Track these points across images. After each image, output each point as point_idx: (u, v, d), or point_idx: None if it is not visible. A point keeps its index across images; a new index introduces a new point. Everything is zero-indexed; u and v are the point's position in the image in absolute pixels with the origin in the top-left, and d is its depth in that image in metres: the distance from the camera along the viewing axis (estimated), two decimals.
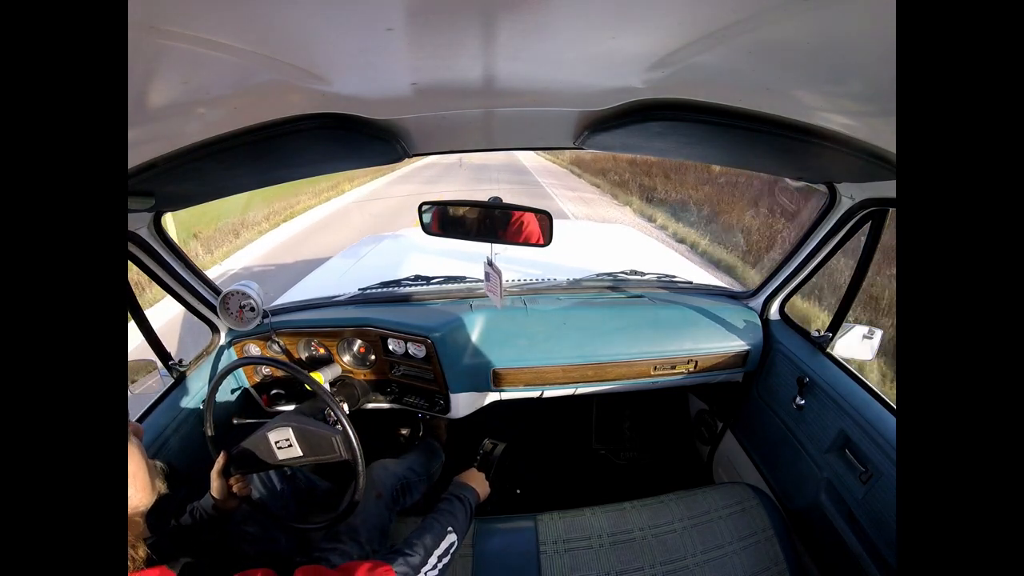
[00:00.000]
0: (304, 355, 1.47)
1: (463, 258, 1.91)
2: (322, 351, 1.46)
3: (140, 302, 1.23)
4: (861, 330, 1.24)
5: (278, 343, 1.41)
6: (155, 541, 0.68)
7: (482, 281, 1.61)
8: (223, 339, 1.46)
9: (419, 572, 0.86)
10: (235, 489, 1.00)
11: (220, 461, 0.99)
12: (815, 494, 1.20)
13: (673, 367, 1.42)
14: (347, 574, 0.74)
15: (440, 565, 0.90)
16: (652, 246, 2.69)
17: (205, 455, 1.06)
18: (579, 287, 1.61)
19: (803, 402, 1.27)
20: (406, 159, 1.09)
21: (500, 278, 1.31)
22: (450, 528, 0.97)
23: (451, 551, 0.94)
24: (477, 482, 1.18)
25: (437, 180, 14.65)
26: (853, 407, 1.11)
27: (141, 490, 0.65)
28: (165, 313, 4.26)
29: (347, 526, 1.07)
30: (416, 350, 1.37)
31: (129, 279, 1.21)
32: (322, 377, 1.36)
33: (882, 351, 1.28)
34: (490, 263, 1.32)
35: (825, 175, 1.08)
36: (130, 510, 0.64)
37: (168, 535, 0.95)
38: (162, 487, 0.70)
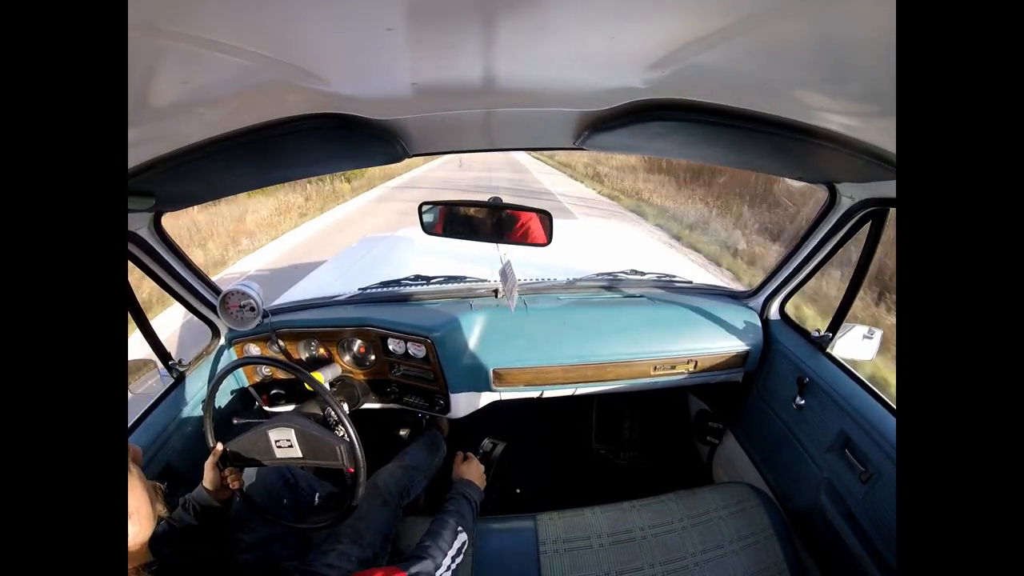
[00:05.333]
0: (304, 355, 1.47)
1: (463, 258, 1.91)
2: (322, 351, 1.46)
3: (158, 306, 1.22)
4: (861, 330, 1.24)
5: (278, 343, 1.41)
6: (159, 567, 0.67)
7: (483, 281, 1.62)
8: (223, 339, 1.46)
9: (435, 574, 0.87)
10: (228, 481, 1.00)
11: (216, 452, 0.99)
12: (815, 494, 1.20)
13: (673, 367, 1.42)
14: None
15: (454, 566, 0.91)
16: (652, 245, 2.69)
17: (205, 455, 1.06)
18: (579, 287, 1.60)
19: (803, 402, 1.27)
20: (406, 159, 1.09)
21: (513, 281, 1.31)
22: (460, 528, 0.98)
23: (463, 550, 0.95)
24: (474, 475, 1.18)
25: None
26: (853, 407, 1.11)
27: (144, 523, 0.64)
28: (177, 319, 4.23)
29: (351, 529, 1.07)
30: (416, 350, 1.37)
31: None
32: (322, 377, 1.36)
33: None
34: (505, 268, 1.32)
35: (825, 175, 1.08)
36: (134, 543, 0.64)
37: (163, 534, 0.95)
38: (162, 510, 0.69)
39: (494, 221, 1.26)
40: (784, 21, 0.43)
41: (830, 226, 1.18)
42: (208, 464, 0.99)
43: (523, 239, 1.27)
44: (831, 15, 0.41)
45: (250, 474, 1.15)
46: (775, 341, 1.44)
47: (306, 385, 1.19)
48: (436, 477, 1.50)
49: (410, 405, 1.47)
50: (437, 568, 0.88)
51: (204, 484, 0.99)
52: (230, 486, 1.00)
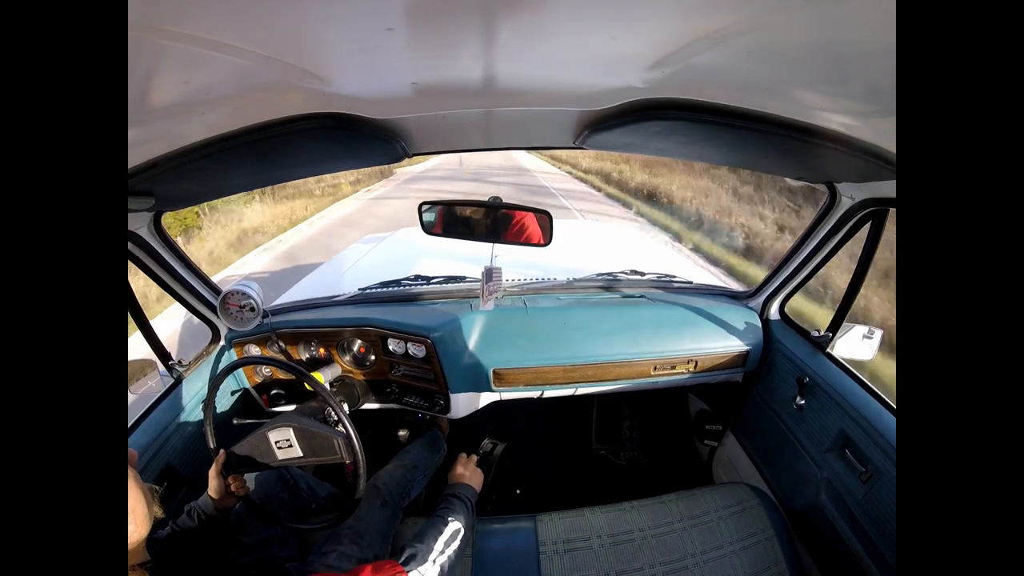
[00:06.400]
0: (304, 355, 1.47)
1: (463, 258, 1.91)
2: (322, 351, 1.46)
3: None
4: (861, 330, 1.24)
5: (278, 343, 1.41)
6: (153, 565, 0.67)
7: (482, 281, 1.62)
8: (223, 340, 1.46)
9: (427, 560, 0.88)
10: (233, 488, 1.00)
11: (219, 460, 0.99)
12: (815, 494, 1.20)
13: (673, 367, 1.42)
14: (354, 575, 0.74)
15: (449, 551, 0.93)
16: (652, 246, 2.69)
17: (205, 455, 1.06)
18: (579, 287, 1.61)
19: (803, 402, 1.27)
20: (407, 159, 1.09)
21: (500, 279, 1.31)
22: (451, 519, 0.99)
23: (458, 536, 0.97)
24: (469, 476, 1.18)
25: None
26: (853, 407, 1.11)
27: (140, 523, 0.64)
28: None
29: (351, 529, 1.07)
30: (416, 350, 1.37)
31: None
32: (322, 377, 1.36)
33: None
34: (491, 270, 1.33)
35: (825, 175, 1.08)
36: (131, 542, 0.64)
37: (167, 539, 0.95)
38: (158, 511, 0.70)
39: (494, 221, 1.26)
40: (784, 21, 0.43)
41: (830, 226, 1.18)
42: (212, 472, 0.99)
43: (523, 239, 1.27)
44: (831, 15, 0.41)
45: (250, 476, 1.16)
46: (775, 341, 1.44)
47: (306, 385, 1.19)
48: (436, 477, 1.51)
49: (410, 405, 1.47)
50: (429, 552, 0.89)
51: (209, 492, 0.99)
52: (235, 493, 1.00)
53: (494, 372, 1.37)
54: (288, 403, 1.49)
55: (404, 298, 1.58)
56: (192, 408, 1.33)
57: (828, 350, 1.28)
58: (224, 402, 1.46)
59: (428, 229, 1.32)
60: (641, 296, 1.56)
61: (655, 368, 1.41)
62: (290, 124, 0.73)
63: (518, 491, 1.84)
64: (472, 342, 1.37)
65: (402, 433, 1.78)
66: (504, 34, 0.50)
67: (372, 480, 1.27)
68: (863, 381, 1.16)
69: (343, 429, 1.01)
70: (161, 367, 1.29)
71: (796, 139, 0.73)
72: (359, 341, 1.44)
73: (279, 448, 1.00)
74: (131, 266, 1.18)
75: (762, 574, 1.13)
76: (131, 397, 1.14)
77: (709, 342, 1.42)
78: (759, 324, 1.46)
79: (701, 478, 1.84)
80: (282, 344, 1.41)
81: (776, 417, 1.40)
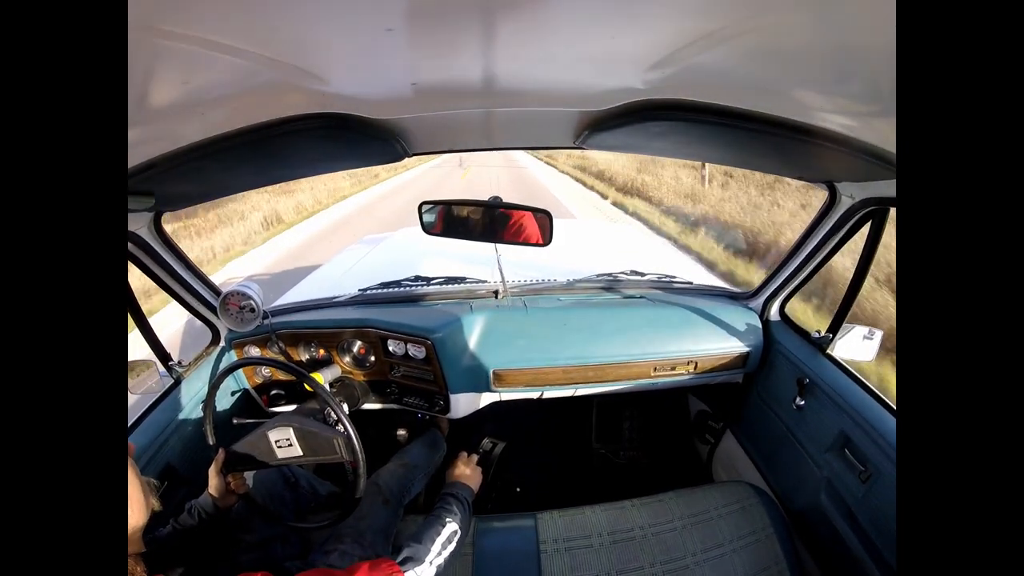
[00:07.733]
0: (304, 356, 1.47)
1: (464, 259, 1.91)
2: (322, 352, 1.46)
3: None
4: (861, 331, 1.24)
5: (278, 344, 1.41)
6: (147, 552, 0.68)
7: (483, 282, 1.62)
8: (223, 341, 1.46)
9: (424, 562, 0.87)
10: (233, 486, 1.00)
11: (219, 459, 0.99)
12: (815, 494, 1.20)
13: (673, 368, 1.42)
14: (351, 573, 0.74)
15: (446, 553, 0.92)
16: (652, 246, 2.69)
17: (205, 455, 1.06)
18: (579, 287, 1.60)
19: (803, 403, 1.27)
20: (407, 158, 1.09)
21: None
22: (448, 519, 0.99)
23: (455, 539, 0.96)
24: (468, 476, 1.18)
25: None
26: (853, 407, 1.11)
27: (137, 512, 0.65)
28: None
29: (352, 528, 1.07)
30: (416, 351, 1.37)
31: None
32: (322, 378, 1.36)
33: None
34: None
35: (825, 175, 1.08)
36: (128, 532, 0.64)
37: (168, 536, 0.95)
38: (155, 504, 0.70)
39: (494, 221, 1.26)
40: (784, 22, 0.43)
41: (830, 226, 1.18)
42: (212, 471, 0.99)
43: (522, 239, 1.27)
44: (831, 15, 0.41)
45: (250, 475, 1.16)
46: (775, 342, 1.44)
47: (306, 386, 1.19)
48: (436, 476, 1.51)
49: (410, 406, 1.47)
50: (426, 554, 0.89)
51: (210, 491, 0.99)
52: (236, 491, 1.00)
53: (494, 373, 1.37)
54: (288, 404, 1.49)
55: (404, 299, 1.58)
56: (192, 408, 1.33)
57: (828, 351, 1.28)
58: (224, 402, 1.46)
59: (428, 229, 1.32)
60: (641, 297, 1.56)
61: (655, 369, 1.41)
62: (290, 124, 0.73)
63: (518, 489, 1.84)
64: (472, 343, 1.37)
65: (402, 433, 1.78)
66: (504, 34, 0.50)
67: (373, 479, 1.27)
68: (863, 382, 1.16)
69: (343, 429, 1.01)
70: (161, 367, 1.29)
71: (796, 139, 0.73)
72: (359, 342, 1.44)
73: (279, 447, 1.01)
74: (131, 266, 1.18)
75: (762, 573, 1.13)
76: (131, 397, 1.14)
77: (709, 343, 1.42)
78: (759, 325, 1.46)
79: (701, 479, 1.84)
80: (282, 345, 1.41)
81: (776, 418, 1.40)
